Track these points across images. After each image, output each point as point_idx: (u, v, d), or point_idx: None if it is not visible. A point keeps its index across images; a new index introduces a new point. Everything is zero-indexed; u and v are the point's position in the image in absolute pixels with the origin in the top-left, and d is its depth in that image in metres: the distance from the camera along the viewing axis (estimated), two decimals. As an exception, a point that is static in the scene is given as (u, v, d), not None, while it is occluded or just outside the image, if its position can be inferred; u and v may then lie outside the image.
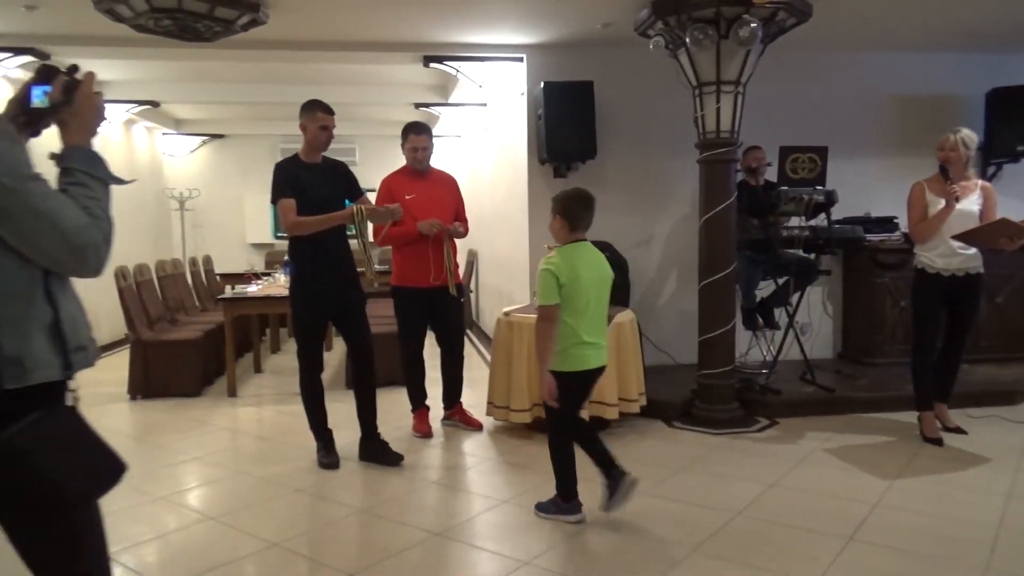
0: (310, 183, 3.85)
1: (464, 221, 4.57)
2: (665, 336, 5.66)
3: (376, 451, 3.99)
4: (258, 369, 6.57)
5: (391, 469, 3.88)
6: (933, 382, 4.20)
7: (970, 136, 4.05)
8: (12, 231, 1.36)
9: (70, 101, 1.51)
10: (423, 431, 4.44)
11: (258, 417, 5.13)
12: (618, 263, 5.54)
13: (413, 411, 4.54)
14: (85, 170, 1.48)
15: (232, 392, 5.61)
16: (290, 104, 8.27)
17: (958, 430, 4.23)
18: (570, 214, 3.06)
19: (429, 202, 4.39)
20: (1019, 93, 5.75)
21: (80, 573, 1.50)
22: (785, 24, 4.46)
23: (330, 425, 4.04)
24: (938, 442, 4.08)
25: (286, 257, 7.46)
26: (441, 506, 3.48)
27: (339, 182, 4.01)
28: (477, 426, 4.58)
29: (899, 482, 3.55)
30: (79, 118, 1.52)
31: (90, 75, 1.55)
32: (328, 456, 3.93)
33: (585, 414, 4.22)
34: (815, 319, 5.65)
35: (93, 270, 1.47)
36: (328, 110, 3.89)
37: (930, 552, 2.82)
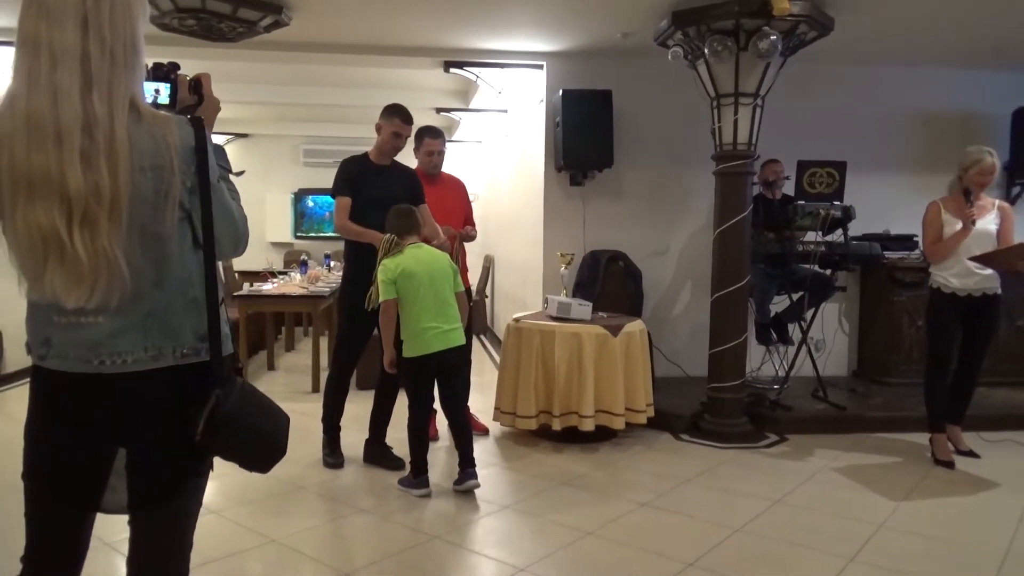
0: (374, 184, 3.91)
1: (472, 225, 4.57)
2: (678, 348, 5.63)
3: (381, 455, 4.02)
4: (271, 367, 6.63)
5: (394, 471, 3.89)
6: (947, 404, 4.14)
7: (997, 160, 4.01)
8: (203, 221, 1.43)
9: (201, 99, 1.58)
10: (430, 435, 4.42)
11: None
12: (632, 273, 5.55)
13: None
14: (224, 164, 1.55)
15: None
16: (312, 106, 8.45)
17: (971, 453, 4.16)
18: (391, 227, 3.58)
19: (440, 206, 4.39)
20: (1046, 113, 5.65)
21: (189, 546, 1.55)
22: (806, 37, 4.44)
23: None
24: (949, 465, 4.01)
25: (303, 256, 7.58)
26: (442, 509, 3.48)
27: (404, 188, 4.01)
28: (483, 431, 4.57)
29: (906, 504, 3.49)
30: (207, 115, 1.57)
31: (207, 74, 1.62)
32: (334, 455, 3.96)
33: (591, 423, 4.22)
34: (830, 336, 5.58)
35: (238, 257, 1.63)
36: (407, 119, 4.01)
37: (925, 572, 2.77)
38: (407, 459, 3.65)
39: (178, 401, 1.40)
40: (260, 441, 1.50)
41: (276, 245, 10.59)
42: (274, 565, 2.86)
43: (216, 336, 1.43)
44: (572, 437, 4.33)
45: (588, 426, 4.23)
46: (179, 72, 1.57)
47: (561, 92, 5.38)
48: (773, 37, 4.17)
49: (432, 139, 4.47)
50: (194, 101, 1.57)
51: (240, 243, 1.55)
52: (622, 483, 3.78)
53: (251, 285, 6.41)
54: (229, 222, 1.49)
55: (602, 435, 4.38)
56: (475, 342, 5.05)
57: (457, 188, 4.63)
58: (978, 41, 5.16)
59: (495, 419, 4.53)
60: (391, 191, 3.90)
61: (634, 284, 5.53)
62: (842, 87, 5.76)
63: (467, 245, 4.62)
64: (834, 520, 3.30)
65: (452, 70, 5.92)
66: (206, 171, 1.41)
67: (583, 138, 5.35)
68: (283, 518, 3.27)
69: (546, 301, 4.78)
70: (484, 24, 4.95)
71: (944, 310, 4.03)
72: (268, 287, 6.32)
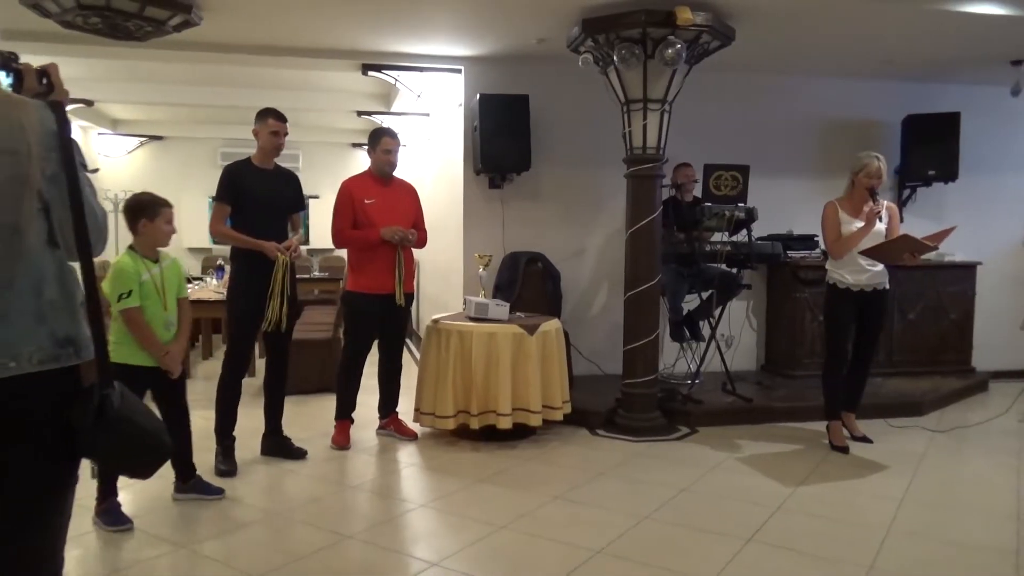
0: (258, 188, 3.96)
1: (422, 231, 4.59)
2: (596, 346, 5.76)
3: (280, 446, 4.08)
4: (188, 375, 6.44)
5: (310, 475, 3.88)
6: (842, 393, 4.39)
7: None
8: (61, 217, 1.36)
9: (51, 88, 1.49)
10: (341, 443, 4.38)
11: (183, 422, 5.05)
12: (550, 274, 5.67)
13: (337, 420, 4.48)
14: (79, 160, 1.46)
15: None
16: (231, 108, 8.28)
17: (865, 439, 4.42)
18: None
19: (389, 208, 4.42)
20: (931, 120, 6.05)
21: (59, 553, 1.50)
22: (709, 46, 4.64)
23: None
24: (844, 450, 4.27)
25: (219, 262, 7.42)
26: (357, 510, 3.50)
27: (287, 192, 4.14)
28: (412, 435, 4.58)
29: (802, 488, 3.70)
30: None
31: (55, 64, 1.54)
32: (227, 463, 3.88)
33: (509, 421, 4.30)
34: (740, 332, 5.82)
35: (97, 256, 1.52)
36: (280, 117, 4.05)
37: (821, 553, 2.95)
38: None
39: (46, 410, 1.34)
40: (144, 444, 1.47)
41: (193, 251, 10.31)
42: (184, 573, 2.82)
43: (100, 336, 1.41)
44: (490, 435, 4.40)
45: (506, 424, 4.30)
46: (23, 62, 1.49)
47: (479, 96, 5.46)
48: (678, 46, 4.35)
49: (390, 138, 4.50)
50: (43, 91, 1.49)
51: (100, 240, 1.48)
52: (537, 478, 3.86)
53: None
54: (90, 217, 1.42)
55: (520, 433, 4.46)
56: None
57: (408, 191, 4.63)
58: (869, 54, 5.50)
59: (415, 420, 4.55)
60: (276, 194, 4.00)
61: (552, 285, 5.65)
62: (746, 94, 6.03)
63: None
64: (735, 505, 3.47)
65: (370, 73, 5.93)
66: (71, 156, 1.34)
67: (501, 142, 5.43)
68: (191, 525, 3.23)
69: (465, 302, 4.83)
70: (403, 27, 4.98)
71: (840, 305, 4.28)
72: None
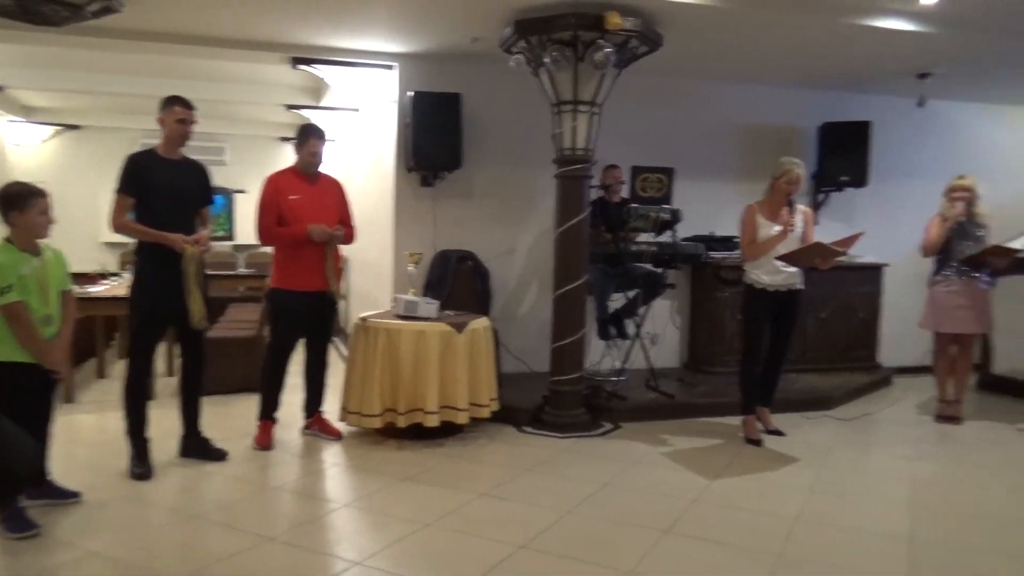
0: (164, 179, 3.81)
1: (349, 228, 4.53)
2: (525, 344, 5.82)
3: (199, 447, 4.00)
4: (101, 375, 6.23)
5: (230, 476, 3.81)
6: (757, 389, 4.58)
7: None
8: None
9: None
10: (264, 444, 4.30)
11: (98, 425, 4.87)
12: (480, 272, 5.70)
13: (260, 420, 4.40)
14: None
15: (69, 398, 5.28)
16: (153, 97, 7.90)
17: (777, 432, 4.63)
18: None
19: (314, 205, 4.35)
20: (844, 128, 6.36)
21: None
22: (637, 51, 4.74)
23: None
24: (757, 443, 4.45)
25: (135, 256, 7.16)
26: (278, 511, 3.46)
27: (195, 184, 4.00)
28: (337, 435, 4.53)
29: (718, 480, 3.84)
30: None
31: None
32: (141, 465, 3.77)
33: (436, 419, 4.32)
34: (664, 330, 5.99)
35: None
36: (187, 105, 3.88)
37: (734, 542, 3.08)
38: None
39: None
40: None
41: (110, 245, 9.90)
42: (94, 577, 2.74)
43: None
44: (417, 434, 4.40)
45: (433, 422, 4.31)
46: None
47: (411, 94, 5.45)
48: (607, 50, 4.44)
49: (317, 140, 4.42)
50: None
51: None
52: (463, 475, 3.90)
53: (80, 287, 5.98)
54: None
55: (447, 431, 4.48)
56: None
57: (334, 188, 4.56)
58: (788, 64, 5.74)
59: (341, 419, 4.52)
60: (183, 186, 3.86)
61: (482, 283, 5.69)
62: (674, 98, 6.20)
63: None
64: (655, 498, 3.58)
65: (300, 67, 5.82)
66: None
67: (433, 140, 5.43)
68: (106, 529, 3.13)
69: (394, 300, 4.82)
70: (332, 22, 4.92)
71: (756, 304, 4.46)
72: (98, 289, 5.94)
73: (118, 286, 6.09)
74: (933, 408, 5.32)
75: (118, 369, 6.54)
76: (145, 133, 9.77)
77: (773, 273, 4.42)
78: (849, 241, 4.24)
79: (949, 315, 5.00)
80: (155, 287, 3.77)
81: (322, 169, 4.49)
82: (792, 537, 3.13)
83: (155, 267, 3.77)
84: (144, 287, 3.82)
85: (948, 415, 5.19)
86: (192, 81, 7.17)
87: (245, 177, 9.51)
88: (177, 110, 3.83)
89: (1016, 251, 4.83)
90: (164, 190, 3.78)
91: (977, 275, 4.96)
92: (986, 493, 3.84)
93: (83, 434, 4.65)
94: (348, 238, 4.50)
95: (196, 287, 3.80)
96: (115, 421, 4.84)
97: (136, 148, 10.28)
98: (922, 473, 4.12)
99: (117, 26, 4.83)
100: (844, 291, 6.32)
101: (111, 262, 9.17)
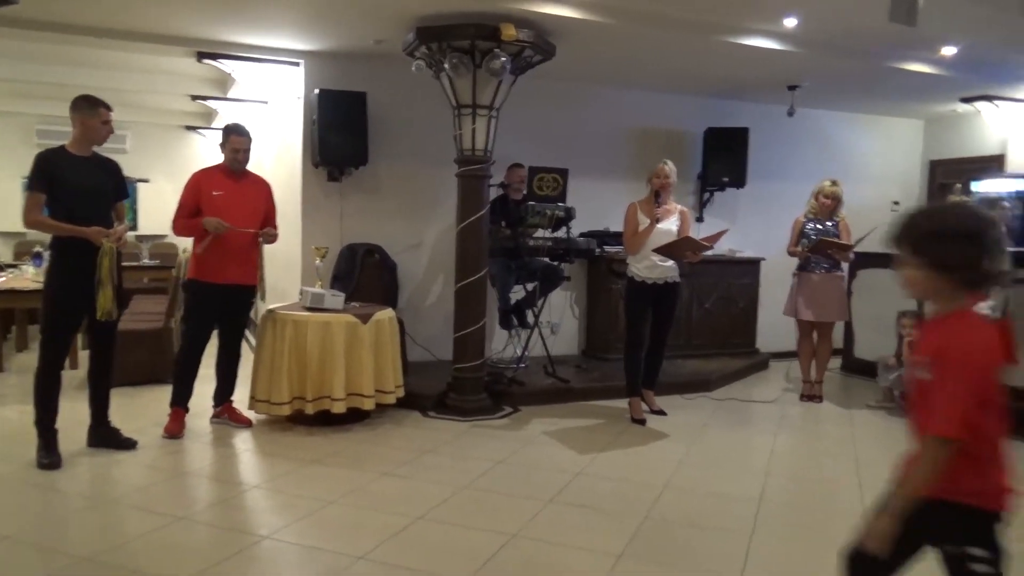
0: (76, 176, 3.88)
1: (274, 227, 4.66)
2: (430, 334, 6.10)
3: (108, 437, 4.10)
4: (0, 368, 6.12)
5: (140, 463, 3.93)
6: (641, 372, 5.03)
7: (674, 168, 4.93)
8: None
9: None
10: (174, 432, 4.41)
11: (-3, 417, 4.86)
12: (387, 265, 5.94)
13: (172, 408, 4.52)
14: None
15: (-34, 391, 5.22)
16: (50, 84, 7.78)
17: (660, 412, 5.10)
18: None
19: (237, 202, 4.46)
20: (725, 133, 6.91)
21: None
22: (532, 60, 5.08)
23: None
24: (642, 422, 4.91)
25: (36, 248, 7.01)
26: (189, 494, 3.63)
27: (108, 180, 4.07)
28: (246, 423, 4.68)
29: (602, 455, 4.26)
30: None
31: None
32: (49, 456, 3.83)
33: (343, 406, 4.55)
34: (561, 319, 6.39)
35: None
36: (109, 107, 3.98)
37: (608, 507, 3.48)
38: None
39: None
40: None
41: (4, 235, 9.54)
42: (4, 563, 2.86)
43: None
44: (325, 420, 4.61)
45: (340, 408, 4.54)
46: None
47: (317, 91, 5.60)
48: (503, 58, 4.75)
49: (238, 136, 4.52)
50: None
51: None
52: (368, 458, 4.16)
53: (-27, 279, 5.87)
54: None
55: (354, 417, 4.72)
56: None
57: (259, 187, 4.68)
58: (673, 73, 6.21)
59: (250, 407, 4.68)
60: (96, 182, 3.96)
61: (389, 276, 5.92)
62: (568, 103, 6.59)
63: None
64: (543, 473, 3.95)
65: (205, 61, 5.88)
66: None
67: (339, 136, 5.62)
68: (14, 516, 3.23)
69: (301, 292, 5.00)
70: (237, 18, 5.01)
71: (636, 296, 4.90)
72: (-7, 281, 5.84)
73: (16, 278, 5.99)
74: (799, 389, 5.94)
75: (16, 363, 6.43)
76: (40, 119, 9.49)
77: (651, 268, 4.86)
78: (715, 237, 4.75)
79: (808, 303, 5.60)
80: (69, 280, 3.85)
81: (216, 161, 4.60)
82: (659, 502, 3.55)
83: (69, 260, 3.84)
84: (58, 280, 3.88)
85: (811, 395, 5.81)
86: (90, 69, 7.06)
87: (149, 166, 9.36)
88: (103, 112, 3.92)
89: (840, 242, 5.46)
90: (77, 187, 3.85)
91: (827, 266, 5.58)
92: (831, 461, 4.41)
93: (-17, 428, 4.63)
94: (271, 238, 4.63)
95: (109, 280, 3.89)
96: (16, 413, 4.86)
97: (31, 135, 9.94)
98: (781, 446, 4.66)
99: (13, 16, 4.77)
100: (726, 283, 6.90)
101: (6, 253, 8.87)
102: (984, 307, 4.74)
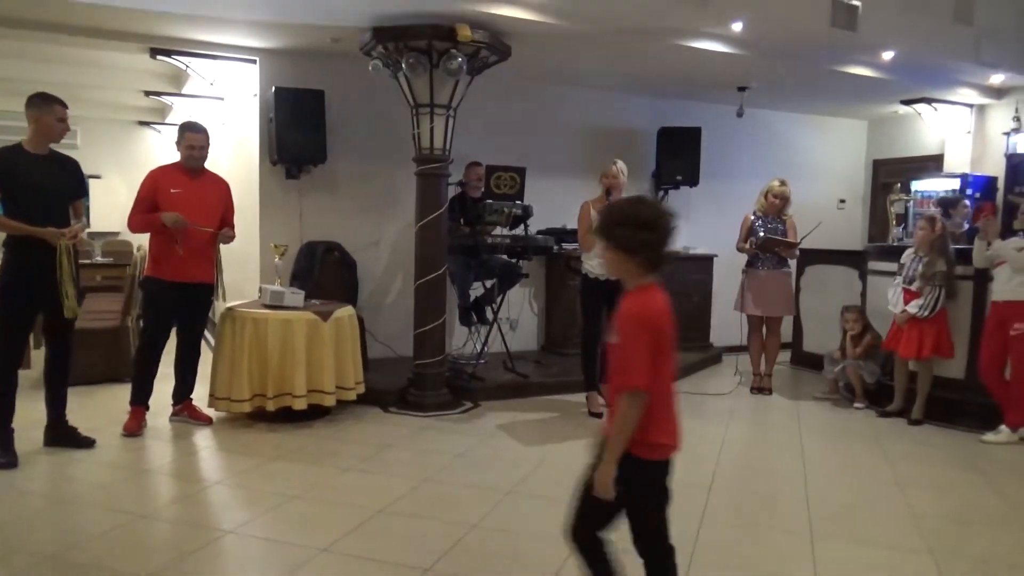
0: (33, 175, 3.85)
1: (231, 226, 4.66)
2: (391, 331, 6.15)
3: (65, 436, 4.09)
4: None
5: (99, 462, 3.92)
6: (598, 367, 5.16)
7: (624, 167, 5.07)
8: None
9: None
10: (133, 430, 4.40)
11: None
12: (347, 263, 5.97)
13: (132, 406, 4.51)
14: None
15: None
16: (-4, 78, 7.54)
17: (616, 405, 5.23)
18: None
19: (194, 200, 4.45)
20: (679, 133, 7.10)
21: None
22: (488, 60, 5.17)
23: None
24: (599, 416, 5.04)
25: (3, 248, 6.84)
26: (150, 491, 3.64)
27: (66, 178, 4.06)
28: (206, 420, 4.69)
29: (558, 447, 4.38)
30: None
31: None
32: (5, 455, 3.81)
33: (304, 402, 4.59)
34: (519, 315, 6.50)
35: None
36: (65, 104, 3.97)
37: (566, 498, 3.58)
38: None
39: None
40: None
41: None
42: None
43: None
44: (287, 417, 4.64)
45: (301, 405, 4.58)
46: None
47: (274, 89, 5.60)
48: (459, 59, 4.82)
49: (194, 134, 4.51)
50: None
51: None
52: (330, 453, 4.21)
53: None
54: None
55: (315, 413, 4.75)
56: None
57: (217, 186, 4.67)
58: (627, 74, 6.37)
59: (210, 405, 4.69)
60: (55, 181, 3.94)
61: (349, 273, 5.96)
62: (526, 102, 6.70)
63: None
64: (502, 465, 4.06)
65: (159, 57, 5.82)
66: None
67: (297, 135, 5.63)
68: (-28, 517, 3.22)
69: (261, 291, 5.02)
70: (194, 15, 4.98)
71: (591, 292, 5.03)
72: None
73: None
74: (750, 382, 6.14)
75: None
76: (-15, 114, 9.20)
77: (603, 264, 4.99)
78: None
79: (756, 299, 5.81)
80: (25, 280, 3.82)
81: (176, 157, 4.59)
82: (613, 490, 3.68)
83: (24, 260, 3.81)
84: (13, 280, 3.84)
85: (760, 387, 6.02)
86: (38, 63, 6.92)
87: (100, 162, 9.18)
88: (58, 109, 3.90)
89: (786, 240, 5.70)
90: (34, 186, 3.82)
91: (774, 263, 5.79)
92: (777, 450, 4.60)
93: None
94: (228, 238, 4.63)
95: (69, 279, 3.87)
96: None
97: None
98: (731, 436, 4.84)
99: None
100: (680, 278, 7.06)
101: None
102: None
